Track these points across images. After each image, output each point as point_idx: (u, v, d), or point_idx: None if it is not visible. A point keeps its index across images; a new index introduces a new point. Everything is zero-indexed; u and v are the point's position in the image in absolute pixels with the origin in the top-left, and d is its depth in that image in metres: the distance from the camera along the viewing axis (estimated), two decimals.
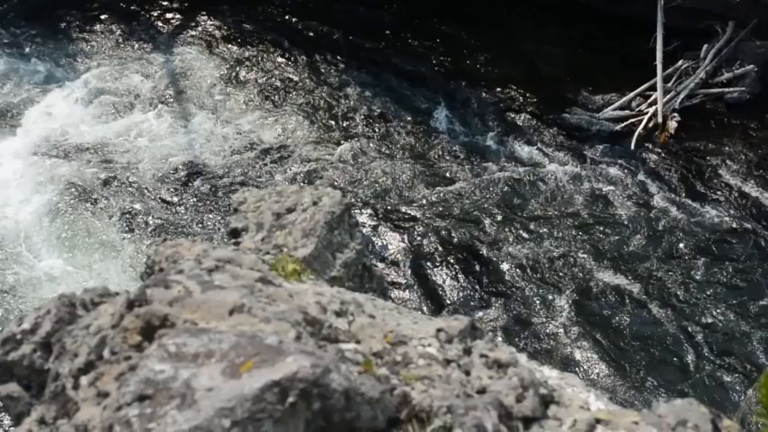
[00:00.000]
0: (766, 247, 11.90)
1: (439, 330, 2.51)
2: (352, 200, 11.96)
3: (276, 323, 2.29)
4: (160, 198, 12.09)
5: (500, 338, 10.03)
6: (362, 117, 13.96)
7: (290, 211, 3.80)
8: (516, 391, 2.29)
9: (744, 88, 15.00)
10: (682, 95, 14.69)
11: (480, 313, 10.58)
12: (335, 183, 12.26)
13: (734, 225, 12.28)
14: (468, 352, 2.49)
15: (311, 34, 15.96)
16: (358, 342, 2.41)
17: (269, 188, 4.10)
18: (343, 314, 2.49)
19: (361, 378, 2.17)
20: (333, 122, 13.87)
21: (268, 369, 2.08)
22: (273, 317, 2.32)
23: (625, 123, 14.28)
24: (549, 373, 2.97)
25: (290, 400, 2.04)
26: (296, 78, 14.78)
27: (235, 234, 3.89)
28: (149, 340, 2.30)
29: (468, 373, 2.40)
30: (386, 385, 2.22)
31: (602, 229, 12.04)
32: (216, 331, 2.24)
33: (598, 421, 2.29)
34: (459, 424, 2.13)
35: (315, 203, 3.78)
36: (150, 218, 11.72)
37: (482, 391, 2.33)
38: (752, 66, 15.11)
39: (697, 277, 11.35)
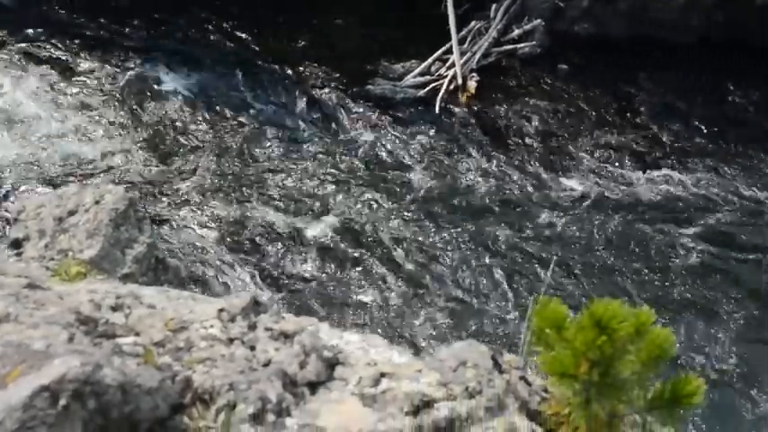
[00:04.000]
0: (560, 193, 12.48)
1: (221, 311, 2.50)
2: (149, 194, 11.62)
3: (45, 327, 2.22)
4: None
5: (320, 312, 10.10)
6: (162, 107, 13.54)
7: (72, 213, 3.67)
8: (299, 358, 2.31)
9: (534, 42, 15.61)
10: (477, 55, 15.13)
11: (291, 287, 10.59)
12: (131, 179, 11.82)
13: (530, 172, 12.81)
14: (252, 327, 2.49)
15: (103, 32, 15.38)
16: (137, 334, 2.37)
17: (48, 194, 3.96)
18: (119, 308, 2.44)
19: (139, 369, 2.13)
20: (131, 118, 13.37)
21: (36, 375, 2.01)
22: (42, 321, 2.24)
23: (427, 88, 14.57)
24: (350, 338, 3.01)
25: (63, 402, 1.99)
26: (89, 79, 14.19)
27: (17, 245, 3.74)
28: None
29: (253, 348, 2.41)
30: (167, 373, 2.19)
31: (411, 192, 12.28)
32: None
33: (383, 375, 2.34)
34: (242, 399, 2.13)
35: (97, 202, 3.67)
36: None
37: (268, 364, 2.34)
38: (539, 20, 15.74)
39: (494, 228, 11.77)
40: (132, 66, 14.50)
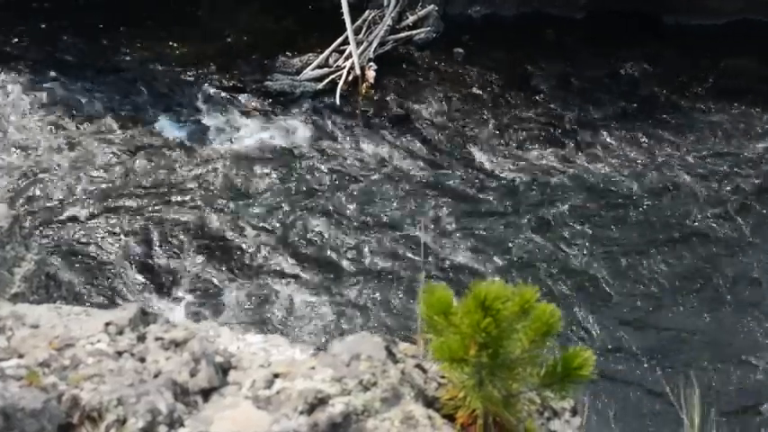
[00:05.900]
0: (464, 176, 12.61)
1: (107, 324, 2.45)
2: (36, 208, 11.23)
3: None
4: None
5: (224, 316, 10.06)
6: (47, 116, 13.14)
7: None
8: (189, 366, 2.28)
9: (429, 28, 15.73)
10: (374, 44, 15.16)
11: (191, 292, 10.47)
12: (13, 193, 11.43)
13: (433, 156, 12.93)
14: (142, 338, 2.45)
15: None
16: (21, 356, 2.30)
17: None
18: (0, 331, 2.37)
19: (21, 392, 2.08)
20: (23, 134, 12.98)
21: None
22: None
23: (326, 81, 14.55)
24: (252, 339, 2.99)
25: None
26: None
27: None
28: None
29: (143, 359, 2.37)
30: (52, 393, 2.14)
31: (313, 184, 12.27)
32: None
33: (276, 376, 2.33)
34: (132, 413, 2.10)
35: None
36: None
37: (159, 375, 2.30)
38: (432, 6, 15.86)
39: (398, 215, 11.85)
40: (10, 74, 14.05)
